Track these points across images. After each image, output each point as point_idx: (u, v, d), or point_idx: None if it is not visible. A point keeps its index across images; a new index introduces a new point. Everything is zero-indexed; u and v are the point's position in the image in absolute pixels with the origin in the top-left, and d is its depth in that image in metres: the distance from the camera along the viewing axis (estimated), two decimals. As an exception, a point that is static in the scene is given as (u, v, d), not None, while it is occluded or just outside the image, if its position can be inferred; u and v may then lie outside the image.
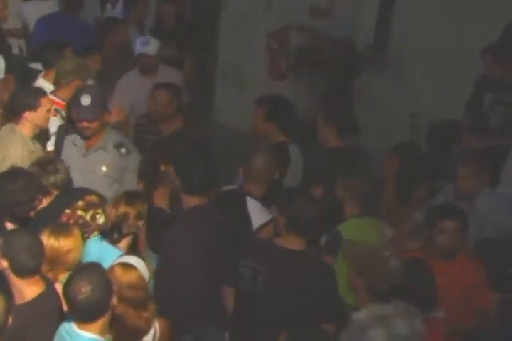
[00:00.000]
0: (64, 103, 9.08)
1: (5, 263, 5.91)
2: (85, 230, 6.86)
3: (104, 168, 8.14)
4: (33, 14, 12.49)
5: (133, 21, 12.99)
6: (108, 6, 13.45)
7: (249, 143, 9.71)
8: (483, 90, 9.36)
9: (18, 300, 5.95)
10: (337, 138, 8.68)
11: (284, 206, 6.94)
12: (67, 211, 7.00)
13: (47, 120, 8.65)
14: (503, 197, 8.30)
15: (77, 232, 6.50)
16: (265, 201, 7.71)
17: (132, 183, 8.11)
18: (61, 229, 6.46)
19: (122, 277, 6.06)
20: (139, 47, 10.02)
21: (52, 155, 8.49)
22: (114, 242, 6.79)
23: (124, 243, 6.84)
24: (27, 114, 8.39)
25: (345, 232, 7.55)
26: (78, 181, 7.71)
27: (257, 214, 7.50)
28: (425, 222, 7.42)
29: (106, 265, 6.20)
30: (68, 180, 7.63)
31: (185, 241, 7.22)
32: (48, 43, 10.75)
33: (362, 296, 6.39)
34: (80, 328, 5.69)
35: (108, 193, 7.72)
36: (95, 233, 6.94)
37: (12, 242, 6.05)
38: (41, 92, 8.73)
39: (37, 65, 10.63)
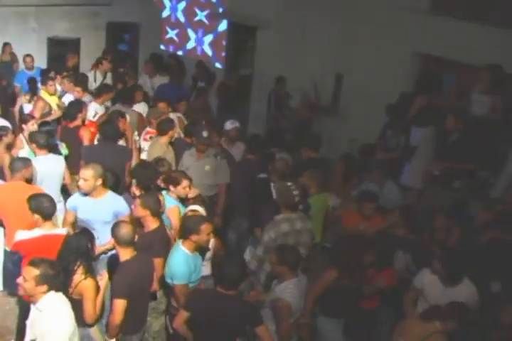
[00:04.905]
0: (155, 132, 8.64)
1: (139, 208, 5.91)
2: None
3: (207, 167, 7.80)
4: (157, 83, 12.10)
5: (210, 89, 12.55)
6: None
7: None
8: (387, 129, 9.29)
9: (146, 229, 5.94)
10: (313, 152, 8.37)
11: None
12: None
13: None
14: (397, 186, 8.18)
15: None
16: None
17: (224, 175, 7.90)
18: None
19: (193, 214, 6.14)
20: (230, 125, 8.82)
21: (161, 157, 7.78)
22: None
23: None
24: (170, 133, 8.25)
25: (315, 200, 7.33)
26: (193, 174, 7.16)
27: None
28: (357, 201, 7.18)
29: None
30: (170, 169, 7.36)
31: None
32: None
33: (282, 209, 6.41)
34: (182, 244, 5.70)
35: (209, 180, 7.77)
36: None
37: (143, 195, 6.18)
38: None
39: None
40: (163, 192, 6.70)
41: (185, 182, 6.64)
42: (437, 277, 5.68)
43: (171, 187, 6.66)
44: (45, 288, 4.63)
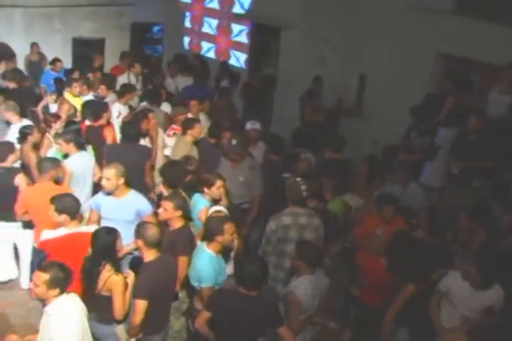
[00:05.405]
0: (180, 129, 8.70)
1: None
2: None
3: (241, 179, 7.72)
4: (181, 83, 12.23)
5: (235, 90, 12.54)
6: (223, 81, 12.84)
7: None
8: (411, 130, 9.25)
9: (171, 228, 5.93)
10: (336, 153, 8.47)
11: None
12: None
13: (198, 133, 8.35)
14: (421, 187, 8.09)
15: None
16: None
17: (256, 184, 7.82)
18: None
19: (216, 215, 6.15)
20: (249, 126, 8.88)
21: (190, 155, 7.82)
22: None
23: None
24: (189, 131, 8.24)
25: (332, 206, 7.39)
26: (227, 183, 6.90)
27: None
28: (377, 203, 7.03)
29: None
30: (198, 167, 7.40)
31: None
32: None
33: (290, 204, 6.45)
34: (207, 246, 5.66)
35: (241, 191, 7.69)
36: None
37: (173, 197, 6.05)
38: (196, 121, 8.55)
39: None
40: (196, 195, 6.71)
41: (218, 183, 6.60)
42: (466, 280, 5.63)
43: (205, 189, 6.63)
44: (57, 291, 4.64)
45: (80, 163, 7.50)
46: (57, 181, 7.06)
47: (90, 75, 11.16)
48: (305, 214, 6.48)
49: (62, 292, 4.67)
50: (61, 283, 4.64)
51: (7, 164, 7.26)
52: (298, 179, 6.54)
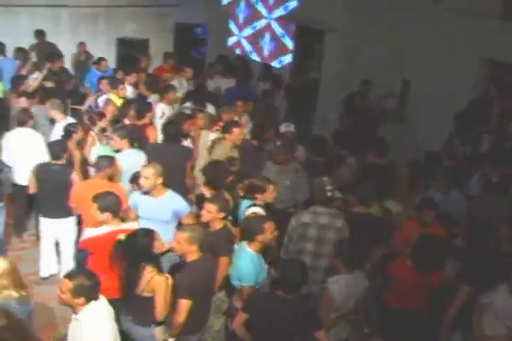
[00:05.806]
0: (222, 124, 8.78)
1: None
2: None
3: (287, 182, 7.69)
4: (223, 85, 12.23)
5: (278, 92, 12.41)
6: (261, 83, 12.92)
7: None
8: (453, 136, 9.19)
9: (211, 229, 5.93)
10: (379, 158, 8.37)
11: None
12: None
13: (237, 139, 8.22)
14: (463, 195, 7.92)
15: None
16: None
17: (300, 189, 7.78)
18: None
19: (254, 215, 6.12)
20: (284, 128, 9.11)
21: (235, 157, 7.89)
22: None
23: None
24: (226, 136, 8.16)
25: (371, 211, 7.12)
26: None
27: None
28: (416, 208, 6.94)
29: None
30: (241, 169, 7.42)
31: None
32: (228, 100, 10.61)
33: (316, 204, 6.54)
34: (248, 245, 5.68)
35: (285, 196, 7.61)
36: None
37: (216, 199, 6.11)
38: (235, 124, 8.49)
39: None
40: (246, 201, 6.68)
41: (271, 188, 6.61)
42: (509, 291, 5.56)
43: (258, 195, 6.61)
44: (82, 300, 4.51)
45: (131, 159, 7.60)
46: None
47: (134, 75, 11.25)
48: (327, 214, 6.46)
49: (88, 301, 4.54)
50: (86, 292, 4.51)
51: (62, 161, 7.44)
52: (324, 178, 6.58)
